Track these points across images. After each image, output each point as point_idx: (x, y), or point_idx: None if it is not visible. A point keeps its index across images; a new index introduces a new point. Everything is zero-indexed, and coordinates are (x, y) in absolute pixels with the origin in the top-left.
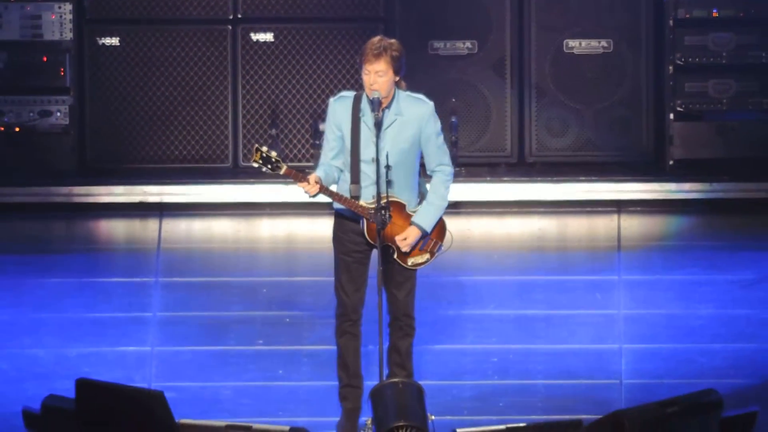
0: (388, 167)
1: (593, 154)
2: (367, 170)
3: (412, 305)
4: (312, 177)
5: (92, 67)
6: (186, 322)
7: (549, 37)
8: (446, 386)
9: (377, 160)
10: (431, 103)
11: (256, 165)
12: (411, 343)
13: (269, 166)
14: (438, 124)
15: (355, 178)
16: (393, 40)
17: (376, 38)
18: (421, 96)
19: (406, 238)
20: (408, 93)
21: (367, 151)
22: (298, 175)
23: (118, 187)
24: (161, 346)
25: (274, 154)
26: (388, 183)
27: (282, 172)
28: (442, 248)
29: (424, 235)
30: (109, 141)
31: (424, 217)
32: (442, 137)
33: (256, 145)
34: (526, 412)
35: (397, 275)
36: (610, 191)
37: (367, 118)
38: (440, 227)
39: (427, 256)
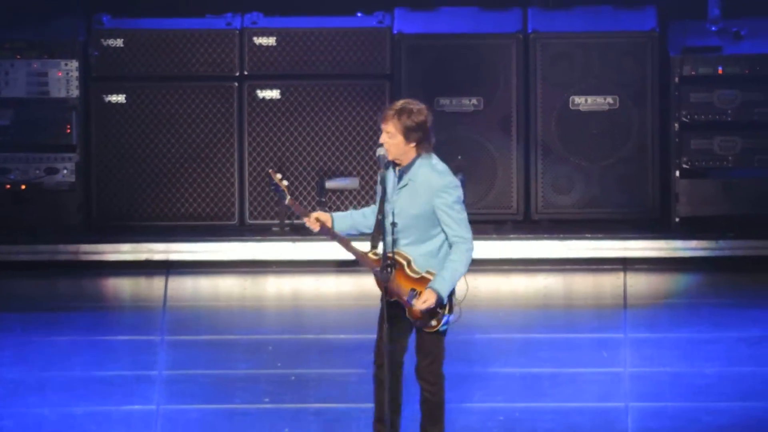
0: (393, 224)
1: (599, 211)
2: (384, 224)
3: (431, 373)
4: (315, 215)
5: (98, 125)
6: (192, 380)
7: (555, 93)
8: None
9: (383, 217)
10: (448, 179)
11: (270, 181)
12: (431, 407)
13: (279, 191)
14: (451, 198)
15: (378, 229)
16: (417, 107)
17: (400, 101)
18: (443, 168)
19: (425, 301)
20: (431, 161)
21: (385, 206)
22: (301, 209)
23: (124, 245)
24: (167, 404)
25: (285, 183)
26: (394, 241)
27: (286, 201)
28: (450, 319)
29: (440, 301)
30: (116, 198)
31: (441, 281)
32: (459, 211)
33: (271, 170)
34: None
35: (426, 341)
36: (616, 249)
37: (388, 174)
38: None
39: (433, 322)
